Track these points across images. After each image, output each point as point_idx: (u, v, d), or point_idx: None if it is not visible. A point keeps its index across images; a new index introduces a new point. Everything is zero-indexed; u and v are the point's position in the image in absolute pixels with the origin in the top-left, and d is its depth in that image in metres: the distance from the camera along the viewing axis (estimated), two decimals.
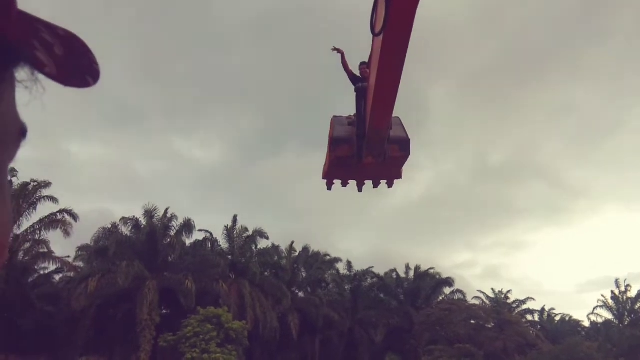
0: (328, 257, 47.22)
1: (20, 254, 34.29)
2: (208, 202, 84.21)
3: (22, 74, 0.51)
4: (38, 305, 34.11)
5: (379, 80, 7.93)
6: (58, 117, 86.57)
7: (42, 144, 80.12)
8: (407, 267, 48.93)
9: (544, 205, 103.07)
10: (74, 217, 34.40)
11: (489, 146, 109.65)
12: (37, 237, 34.10)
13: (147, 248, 36.10)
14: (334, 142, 10.02)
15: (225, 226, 42.25)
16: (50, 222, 33.70)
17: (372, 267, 48.57)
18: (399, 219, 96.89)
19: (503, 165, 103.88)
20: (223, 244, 42.18)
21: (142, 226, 37.22)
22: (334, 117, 10.48)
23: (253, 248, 43.10)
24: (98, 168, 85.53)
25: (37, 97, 0.51)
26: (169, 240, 37.12)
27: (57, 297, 35.65)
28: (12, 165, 0.54)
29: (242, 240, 42.48)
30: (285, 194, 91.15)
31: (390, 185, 11.18)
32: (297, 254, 46.19)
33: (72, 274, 36.84)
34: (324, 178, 11.11)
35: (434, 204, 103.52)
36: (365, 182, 11.20)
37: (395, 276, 49.10)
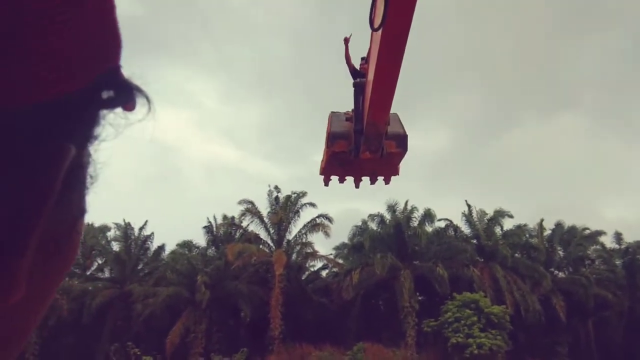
0: (588, 231, 42.07)
1: (294, 255, 40.42)
2: (441, 189, 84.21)
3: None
4: (314, 298, 39.60)
5: (377, 75, 7.88)
6: (300, 137, 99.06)
7: (296, 162, 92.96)
8: None
9: None
10: (330, 219, 39.04)
11: None
12: (304, 240, 39.74)
13: (394, 240, 38.39)
14: (332, 138, 10.11)
15: (463, 212, 41.78)
16: (313, 226, 38.93)
17: None
18: None
19: None
20: (465, 229, 41.82)
21: (387, 220, 39.72)
22: (332, 112, 10.54)
23: (497, 230, 41.51)
24: None
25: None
26: (413, 231, 38.71)
27: (327, 290, 40.84)
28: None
29: (484, 224, 41.33)
30: (526, 168, 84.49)
31: (387, 181, 11.17)
32: (548, 231, 42.56)
33: (336, 269, 41.69)
34: (321, 174, 11.28)
35: None
36: (363, 178, 11.26)
37: None
